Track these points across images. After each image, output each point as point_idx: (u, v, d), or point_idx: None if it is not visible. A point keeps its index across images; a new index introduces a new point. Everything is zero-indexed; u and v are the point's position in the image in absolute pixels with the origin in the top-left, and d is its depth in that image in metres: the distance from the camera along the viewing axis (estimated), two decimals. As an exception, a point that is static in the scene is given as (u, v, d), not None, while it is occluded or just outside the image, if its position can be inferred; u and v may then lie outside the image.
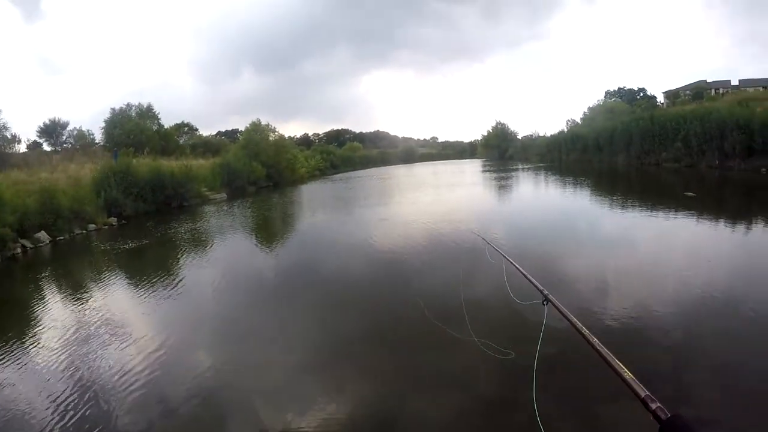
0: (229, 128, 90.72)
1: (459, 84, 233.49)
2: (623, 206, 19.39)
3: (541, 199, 24.31)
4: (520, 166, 50.51)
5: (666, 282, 9.07)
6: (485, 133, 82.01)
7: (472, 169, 52.25)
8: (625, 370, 1.27)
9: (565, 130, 63.68)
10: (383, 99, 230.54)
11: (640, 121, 42.38)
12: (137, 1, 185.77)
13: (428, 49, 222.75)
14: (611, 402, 4.58)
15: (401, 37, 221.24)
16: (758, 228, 13.99)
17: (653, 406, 1.07)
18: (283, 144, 48.85)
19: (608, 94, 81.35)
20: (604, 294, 8.53)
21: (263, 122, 47.07)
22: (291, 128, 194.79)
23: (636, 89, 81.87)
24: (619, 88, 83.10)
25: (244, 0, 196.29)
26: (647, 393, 1.13)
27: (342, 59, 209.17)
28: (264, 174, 40.78)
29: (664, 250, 11.88)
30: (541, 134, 69.06)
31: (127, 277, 12.29)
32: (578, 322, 1.69)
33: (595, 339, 1.53)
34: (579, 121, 65.57)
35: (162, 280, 11.22)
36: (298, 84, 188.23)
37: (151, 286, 10.65)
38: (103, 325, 8.24)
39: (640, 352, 5.88)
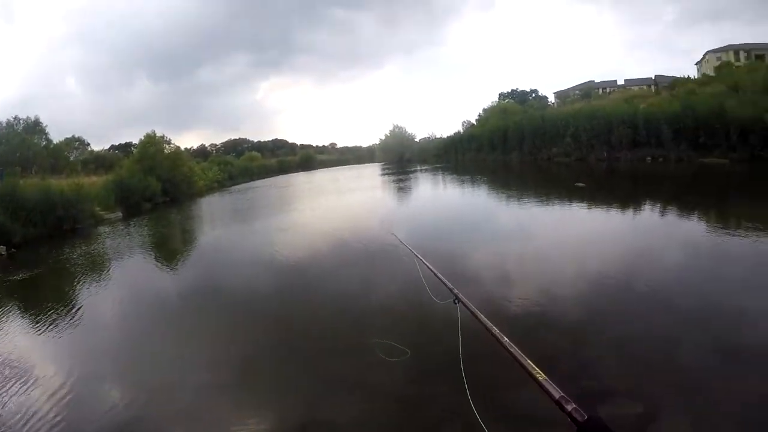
0: (123, 141, 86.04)
1: (357, 90, 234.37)
2: (520, 200, 20.37)
3: (442, 198, 24.69)
4: (418, 168, 51.27)
5: (566, 267, 9.56)
6: (383, 137, 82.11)
7: (371, 173, 52.20)
8: (539, 371, 1.18)
9: (461, 131, 65.28)
10: (281, 107, 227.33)
11: (532, 119, 44.67)
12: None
13: (326, 55, 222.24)
14: (529, 400, 4.25)
15: (299, 44, 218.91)
16: (645, 211, 14.65)
17: (569, 407, 0.96)
18: (180, 156, 46.58)
19: (502, 95, 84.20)
20: (510, 285, 8.69)
21: (158, 134, 44.92)
22: (187, 139, 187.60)
23: (528, 90, 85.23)
24: (513, 90, 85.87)
25: (135, 5, 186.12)
26: (562, 394, 1.03)
27: (239, 66, 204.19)
28: (160, 189, 38.18)
29: (561, 238, 12.46)
30: (438, 136, 70.37)
31: (21, 312, 10.78)
32: (488, 322, 1.64)
33: (506, 339, 1.49)
34: (474, 122, 67.42)
35: (61, 311, 10.24)
36: (194, 93, 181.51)
37: (50, 318, 9.65)
38: (-1, 368, 7.30)
39: (547, 336, 6.20)
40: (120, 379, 6.59)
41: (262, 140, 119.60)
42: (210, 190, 49.87)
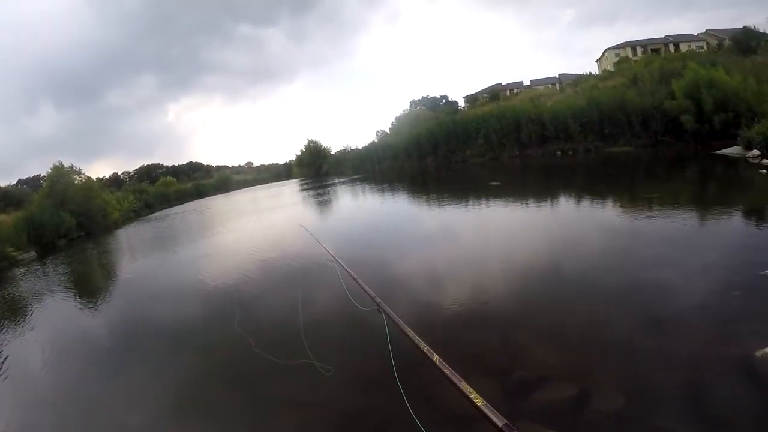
0: (31, 174, 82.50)
1: (270, 106, 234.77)
2: (439, 202, 20.47)
3: (364, 207, 24.31)
4: (336, 181, 50.79)
5: (490, 264, 9.62)
6: (299, 153, 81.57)
7: (289, 189, 51.34)
8: (476, 394, 1.02)
9: (376, 141, 65.43)
10: (194, 128, 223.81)
11: (443, 124, 46.03)
12: None
13: (235, 73, 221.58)
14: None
15: (207, 62, 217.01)
16: (560, 201, 14.82)
17: None
18: (92, 187, 44.14)
19: (413, 103, 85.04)
20: (436, 287, 8.68)
21: (66, 164, 42.46)
22: (98, 168, 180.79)
23: (438, 96, 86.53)
24: (423, 97, 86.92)
25: (34, 27, 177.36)
26: (506, 422, 0.90)
27: (147, 89, 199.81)
28: (74, 224, 36.29)
29: (481, 236, 12.64)
30: (353, 147, 70.32)
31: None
32: (415, 336, 1.48)
33: (437, 356, 1.33)
34: (388, 132, 67.69)
35: None
36: (103, 118, 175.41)
37: None
38: None
39: (477, 334, 6.29)
40: (56, 429, 6.25)
41: (176, 164, 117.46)
42: (127, 220, 47.94)
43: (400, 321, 1.89)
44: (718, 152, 22.38)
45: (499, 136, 39.03)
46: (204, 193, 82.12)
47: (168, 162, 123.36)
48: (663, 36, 61.87)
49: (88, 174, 45.47)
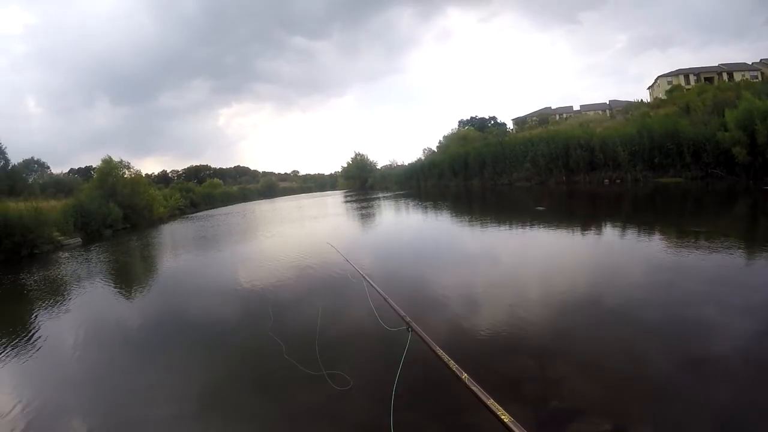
0: (83, 165, 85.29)
1: (319, 117, 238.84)
2: (482, 224, 20.19)
3: (404, 224, 24.01)
4: (380, 195, 51.14)
5: (530, 290, 9.50)
6: (345, 165, 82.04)
7: (334, 200, 51.81)
8: (504, 412, 1.05)
9: (422, 158, 65.60)
10: (243, 133, 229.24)
11: (491, 146, 45.98)
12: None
13: (287, 82, 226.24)
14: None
15: (260, 71, 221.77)
16: (605, 231, 14.76)
17: None
18: (140, 182, 45.69)
19: (461, 122, 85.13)
20: (473, 309, 8.55)
21: (117, 158, 44.24)
22: (149, 164, 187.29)
23: (487, 117, 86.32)
24: (472, 117, 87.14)
25: (96, 27, 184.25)
26: None
27: (200, 93, 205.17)
28: (120, 216, 37.84)
29: (522, 261, 12.45)
30: (399, 163, 70.49)
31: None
32: (444, 354, 1.52)
33: (465, 375, 1.37)
34: (435, 149, 67.93)
35: (17, 340, 9.70)
36: (156, 117, 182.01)
37: (5, 348, 9.13)
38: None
39: (512, 359, 6.16)
40: (81, 413, 6.28)
41: (224, 167, 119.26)
42: (172, 216, 49.32)
43: (428, 339, 1.93)
44: None
45: (546, 160, 38.74)
46: (249, 197, 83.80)
47: (215, 164, 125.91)
48: (717, 64, 60.70)
49: (137, 169, 47.01)
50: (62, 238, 28.33)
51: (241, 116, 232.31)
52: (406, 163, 68.53)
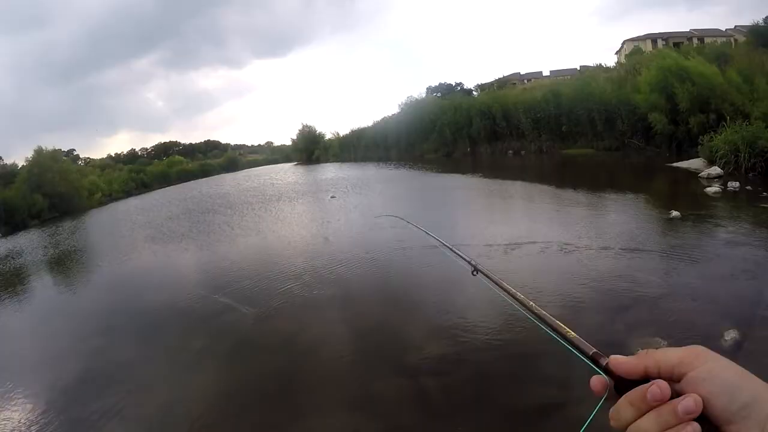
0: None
1: (286, 88, 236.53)
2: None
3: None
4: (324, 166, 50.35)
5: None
6: (294, 138, 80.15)
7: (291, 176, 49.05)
8: (568, 329, 1.02)
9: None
10: (214, 106, 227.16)
11: (407, 116, 44.81)
12: None
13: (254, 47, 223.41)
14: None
15: (224, 36, 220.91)
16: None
17: (603, 362, 0.84)
18: (68, 170, 46.03)
19: (429, 89, 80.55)
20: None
21: (58, 145, 45.48)
22: (117, 143, 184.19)
23: (454, 84, 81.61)
24: (440, 84, 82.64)
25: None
26: (595, 350, 0.87)
27: (158, 65, 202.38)
28: (46, 205, 38.01)
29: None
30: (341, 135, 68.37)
31: None
32: (511, 288, 1.31)
33: (531, 302, 1.22)
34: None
35: None
36: (114, 94, 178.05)
37: None
38: None
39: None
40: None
41: (194, 142, 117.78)
42: (116, 200, 48.68)
43: (493, 275, 1.48)
44: (675, 164, 18.06)
45: (452, 130, 36.12)
46: (209, 173, 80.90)
47: (187, 140, 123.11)
48: (688, 29, 56.51)
49: (111, 148, 47.89)
50: (-20, 233, 29.22)
51: (210, 86, 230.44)
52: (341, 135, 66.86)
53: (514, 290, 1.31)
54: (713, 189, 12.77)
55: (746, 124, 15.44)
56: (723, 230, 9.20)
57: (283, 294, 8.39)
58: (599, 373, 0.76)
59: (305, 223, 15.89)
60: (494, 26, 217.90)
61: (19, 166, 60.23)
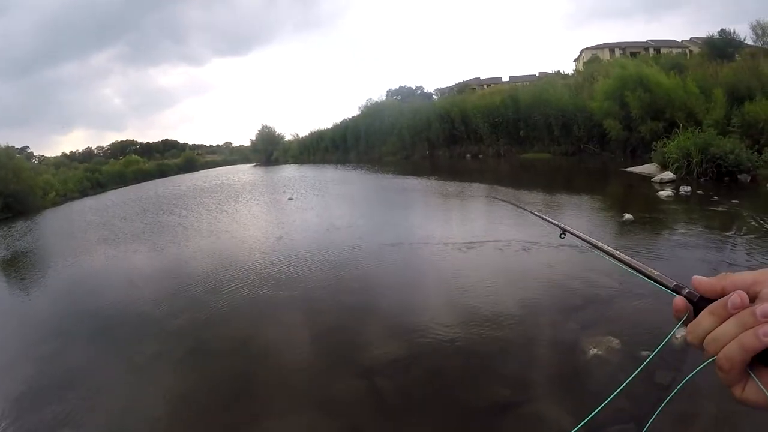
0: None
1: (246, 88, 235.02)
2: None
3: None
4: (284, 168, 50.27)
5: None
6: (253, 138, 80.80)
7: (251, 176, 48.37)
8: (650, 269, 1.06)
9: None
10: (171, 104, 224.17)
11: (367, 117, 44.66)
12: None
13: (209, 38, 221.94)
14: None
15: (182, 31, 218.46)
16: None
17: (684, 291, 0.91)
18: (22, 168, 43.96)
19: (390, 92, 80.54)
20: None
21: (11, 142, 43.83)
22: (72, 141, 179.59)
23: (414, 87, 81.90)
24: (401, 87, 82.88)
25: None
26: (676, 283, 0.96)
27: (117, 58, 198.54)
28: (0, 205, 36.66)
29: None
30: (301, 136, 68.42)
31: None
32: (596, 241, 1.37)
33: (613, 249, 1.27)
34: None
35: None
36: (71, 89, 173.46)
37: None
38: None
39: None
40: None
41: (151, 141, 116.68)
42: (71, 199, 47.11)
43: (581, 234, 1.49)
44: (629, 169, 18.10)
45: (411, 133, 36.28)
46: (166, 173, 79.59)
47: (144, 139, 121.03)
48: (645, 40, 58.09)
49: (66, 146, 46.14)
50: None
51: (170, 84, 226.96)
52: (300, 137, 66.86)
53: (600, 243, 1.36)
54: (666, 193, 13.02)
55: (699, 131, 15.76)
56: (674, 233, 9.29)
57: (239, 296, 8.21)
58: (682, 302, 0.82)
59: (261, 225, 15.69)
60: (456, 31, 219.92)
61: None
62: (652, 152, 17.54)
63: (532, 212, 2.36)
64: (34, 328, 8.73)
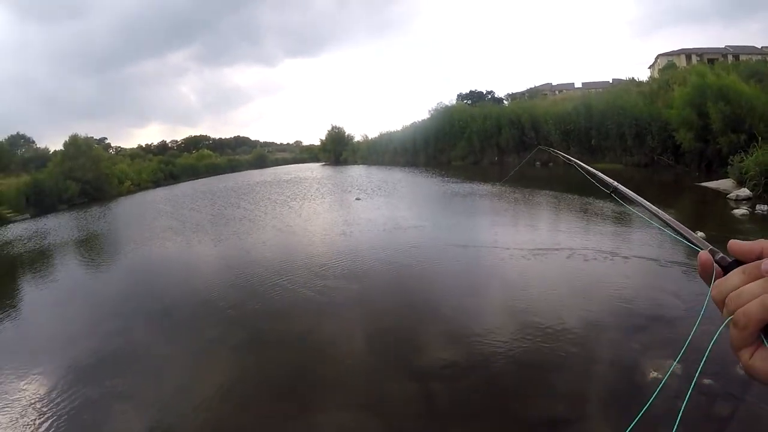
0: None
1: (318, 88, 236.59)
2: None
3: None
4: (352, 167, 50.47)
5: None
6: (323, 137, 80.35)
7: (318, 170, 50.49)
8: (692, 232, 1.08)
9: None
10: (243, 103, 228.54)
11: (437, 121, 44.08)
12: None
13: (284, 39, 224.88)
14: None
15: (262, 36, 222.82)
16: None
17: (717, 257, 0.91)
18: (101, 157, 46.78)
19: (460, 96, 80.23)
20: None
21: (91, 134, 45.91)
22: (148, 134, 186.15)
23: (485, 92, 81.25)
24: (471, 91, 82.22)
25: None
26: (711, 246, 0.96)
27: (194, 57, 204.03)
28: (77, 191, 38.35)
29: None
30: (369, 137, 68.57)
31: None
32: (646, 201, 1.40)
33: (662, 212, 1.29)
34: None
35: None
36: (148, 86, 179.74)
37: None
38: None
39: None
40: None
41: (223, 137, 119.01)
42: (144, 189, 49.72)
43: (630, 193, 1.50)
44: (704, 184, 17.58)
45: (480, 138, 36.06)
46: (237, 168, 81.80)
47: (216, 135, 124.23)
48: (723, 46, 55.33)
49: (141, 139, 48.40)
50: (11, 214, 29.33)
51: (244, 84, 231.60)
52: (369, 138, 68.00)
53: (649, 204, 1.44)
54: (741, 211, 12.62)
55: (780, 146, 14.97)
56: (748, 255, 9.09)
57: (299, 289, 8.49)
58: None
59: (326, 222, 16.09)
60: (528, 36, 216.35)
61: (51, 151, 62.14)
62: (729, 167, 17.04)
63: (581, 165, 2.39)
64: (102, 305, 9.29)
